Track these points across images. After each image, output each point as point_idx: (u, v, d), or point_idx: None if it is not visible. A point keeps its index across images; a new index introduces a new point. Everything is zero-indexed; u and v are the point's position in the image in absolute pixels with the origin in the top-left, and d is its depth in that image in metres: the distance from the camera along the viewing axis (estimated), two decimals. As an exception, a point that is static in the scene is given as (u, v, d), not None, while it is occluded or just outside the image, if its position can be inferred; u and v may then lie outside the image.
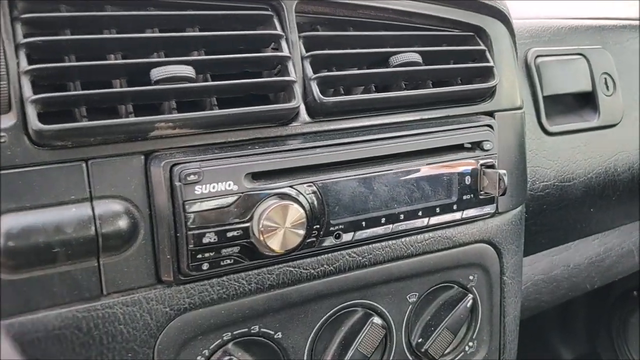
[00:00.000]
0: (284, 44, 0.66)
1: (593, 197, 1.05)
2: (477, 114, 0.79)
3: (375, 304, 0.76)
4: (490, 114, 0.79)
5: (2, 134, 0.54)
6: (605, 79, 1.06)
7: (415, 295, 0.79)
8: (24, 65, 0.55)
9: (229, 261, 0.62)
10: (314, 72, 0.67)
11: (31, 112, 0.54)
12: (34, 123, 0.53)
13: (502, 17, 0.80)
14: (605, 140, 1.06)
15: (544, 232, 1.05)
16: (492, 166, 0.76)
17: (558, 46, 1.03)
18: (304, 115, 0.68)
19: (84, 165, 0.57)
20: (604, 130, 1.06)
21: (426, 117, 0.75)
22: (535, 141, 0.97)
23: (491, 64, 0.78)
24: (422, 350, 0.79)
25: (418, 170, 0.71)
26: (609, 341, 1.89)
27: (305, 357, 0.71)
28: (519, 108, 0.83)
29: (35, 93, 0.54)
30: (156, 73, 0.58)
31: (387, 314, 0.77)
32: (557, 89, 1.01)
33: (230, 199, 0.60)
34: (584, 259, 1.21)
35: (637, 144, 1.09)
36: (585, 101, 1.06)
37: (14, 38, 0.55)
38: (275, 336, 0.69)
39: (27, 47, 0.55)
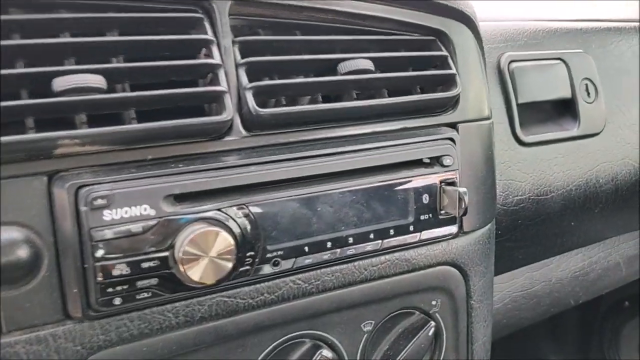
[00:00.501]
0: (215, 50, 0.59)
1: (573, 211, 0.99)
2: (438, 125, 0.72)
3: (325, 335, 0.69)
4: (453, 125, 0.72)
5: None
6: (587, 84, 1.00)
7: (371, 323, 0.72)
8: None
9: (146, 294, 0.55)
10: (250, 81, 0.60)
11: None
12: None
13: (467, 20, 0.74)
14: (585, 150, 0.99)
15: (520, 248, 0.99)
16: (452, 183, 0.69)
17: (535, 50, 0.96)
18: (239, 128, 0.61)
19: (-26, 188, 0.50)
20: (585, 140, 0.99)
21: (379, 129, 0.68)
22: (508, 152, 0.90)
23: (453, 71, 0.71)
24: (379, 384, 0.72)
25: (368, 189, 0.64)
26: (600, 353, 1.85)
27: (243, 397, 0.65)
28: (487, 118, 0.76)
29: None
30: (58, 83, 0.52)
31: (339, 345, 0.70)
32: (533, 96, 0.94)
33: (146, 225, 0.53)
34: (566, 274, 1.15)
35: (620, 154, 1.02)
36: (565, 109, 0.99)
37: None
38: (209, 374, 0.62)
39: None
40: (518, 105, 0.92)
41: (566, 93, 0.98)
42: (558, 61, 0.97)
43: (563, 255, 1.14)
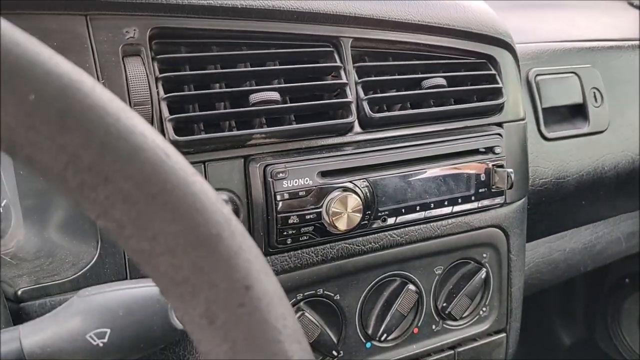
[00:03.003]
0: (342, 73, 0.86)
1: (584, 192, 1.24)
2: (489, 124, 0.97)
3: (410, 275, 0.94)
4: (500, 124, 0.97)
5: (147, 143, 0.75)
6: (595, 92, 1.25)
7: (441, 268, 0.98)
8: (162, 94, 0.75)
9: (305, 237, 0.82)
10: (365, 94, 0.87)
11: (169, 128, 0.74)
12: (171, 135, 0.74)
13: (508, 47, 1.01)
14: (594, 144, 1.24)
15: (543, 221, 1.24)
16: (501, 166, 0.94)
17: (554, 66, 1.22)
18: (357, 127, 0.88)
19: (202, 166, 0.77)
20: (593, 136, 1.24)
21: (449, 127, 0.94)
22: (535, 145, 1.16)
23: (500, 85, 0.97)
24: (446, 312, 0.99)
25: (444, 169, 0.90)
26: (604, 326, 2.04)
27: (357, 315, 0.92)
28: (522, 119, 1.03)
29: (170, 114, 0.75)
30: (254, 97, 0.79)
31: (419, 283, 0.96)
32: (554, 102, 1.19)
33: (307, 191, 0.81)
34: (578, 245, 1.40)
35: (621, 147, 1.28)
36: (578, 112, 1.24)
37: (153, 73, 0.76)
38: (335, 297, 0.90)
39: (163, 80, 0.76)
40: (542, 108, 1.18)
41: (579, 99, 1.23)
42: (572, 74, 1.23)
43: (575, 229, 1.39)
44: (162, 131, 0.75)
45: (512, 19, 1.36)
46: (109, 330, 0.54)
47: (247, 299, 0.39)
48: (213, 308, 0.39)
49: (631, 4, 1.75)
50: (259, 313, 0.40)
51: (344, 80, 0.86)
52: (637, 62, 1.37)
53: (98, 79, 0.72)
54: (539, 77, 1.18)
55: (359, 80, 0.88)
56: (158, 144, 0.37)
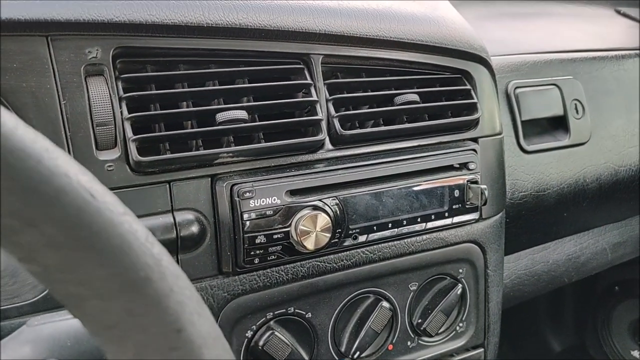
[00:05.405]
0: (312, 90, 0.86)
1: (565, 204, 1.24)
2: (464, 140, 0.96)
3: (384, 291, 0.94)
4: (475, 139, 0.97)
5: (110, 163, 0.74)
6: (576, 104, 1.25)
7: (416, 284, 0.97)
8: (126, 113, 0.74)
9: (273, 257, 0.81)
10: (336, 112, 0.87)
11: (132, 148, 0.73)
12: (135, 155, 0.73)
13: (483, 62, 1.00)
14: (575, 156, 1.23)
15: (524, 234, 1.24)
16: (475, 182, 0.93)
17: (535, 78, 1.21)
18: (328, 144, 0.87)
19: (167, 185, 0.76)
20: (574, 148, 1.23)
21: (423, 143, 0.93)
22: (514, 158, 1.15)
23: (475, 100, 0.97)
24: (422, 329, 0.98)
25: (417, 186, 0.89)
26: (594, 333, 2.04)
27: (329, 333, 0.91)
28: (499, 134, 1.02)
29: (135, 134, 0.74)
30: (220, 116, 0.78)
31: (393, 299, 0.95)
32: (533, 114, 1.18)
33: (275, 210, 0.80)
34: (561, 257, 1.39)
35: (603, 159, 1.27)
36: (558, 124, 1.24)
37: (117, 93, 0.75)
38: (307, 316, 0.89)
39: (127, 100, 0.75)
40: (522, 121, 1.17)
41: (559, 111, 1.22)
42: (553, 86, 1.22)
43: (559, 240, 1.37)
44: (126, 151, 0.74)
45: (495, 30, 1.35)
46: (57, 361, 0.53)
47: (180, 342, 0.39)
48: (143, 352, 0.38)
49: (618, 12, 1.75)
50: (192, 355, 0.39)
51: (314, 97, 0.85)
52: (620, 72, 1.36)
53: (60, 100, 0.71)
54: (518, 90, 1.17)
55: (330, 97, 0.87)
56: (83, 185, 0.36)
